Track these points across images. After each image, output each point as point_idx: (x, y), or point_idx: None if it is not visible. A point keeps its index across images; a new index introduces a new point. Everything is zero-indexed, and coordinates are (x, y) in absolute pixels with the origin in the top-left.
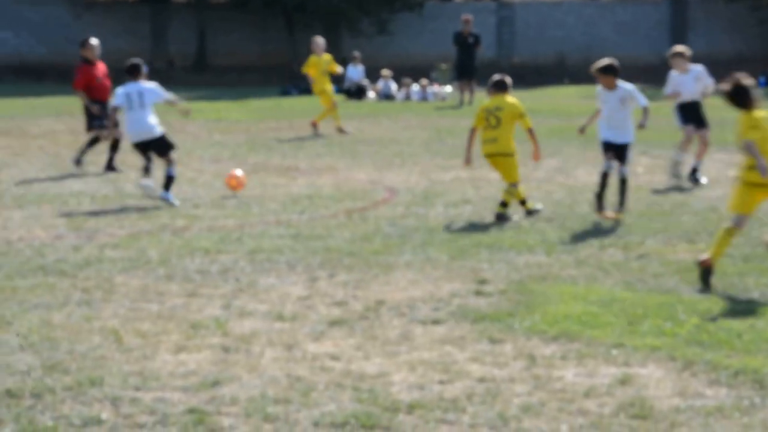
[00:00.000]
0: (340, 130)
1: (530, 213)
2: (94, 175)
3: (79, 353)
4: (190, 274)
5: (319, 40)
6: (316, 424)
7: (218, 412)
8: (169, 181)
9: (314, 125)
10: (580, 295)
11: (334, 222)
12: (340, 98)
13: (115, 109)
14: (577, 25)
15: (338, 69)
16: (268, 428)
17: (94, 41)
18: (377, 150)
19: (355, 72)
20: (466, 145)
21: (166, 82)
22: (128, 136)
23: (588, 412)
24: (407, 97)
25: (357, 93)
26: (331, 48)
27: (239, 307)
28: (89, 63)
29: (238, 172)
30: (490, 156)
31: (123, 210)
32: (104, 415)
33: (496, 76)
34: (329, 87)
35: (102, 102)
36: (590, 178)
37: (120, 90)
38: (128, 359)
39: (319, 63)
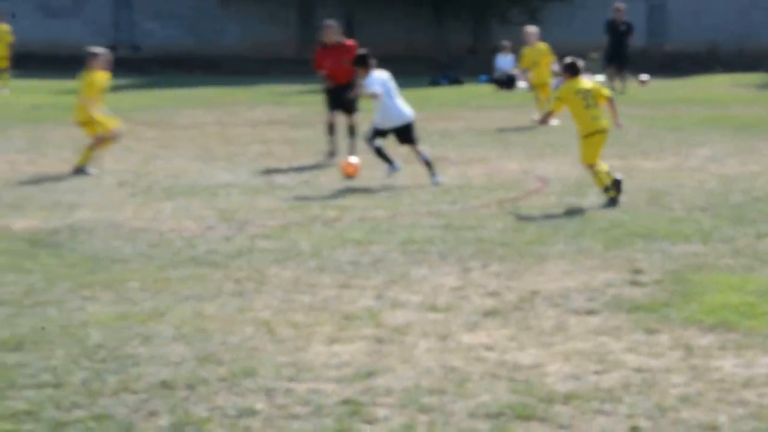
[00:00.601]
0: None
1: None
2: (243, 167)
3: (232, 344)
4: (341, 266)
5: (531, 29)
6: (471, 415)
7: (373, 402)
8: (429, 165)
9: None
10: (737, 285)
11: (485, 212)
12: (490, 88)
13: (375, 95)
14: (730, 13)
15: (553, 59)
16: (423, 419)
17: (328, 23)
18: (528, 139)
19: (505, 61)
20: (545, 118)
21: (311, 71)
22: (389, 121)
23: (747, 402)
24: (558, 86)
25: (507, 83)
26: (480, 37)
27: (392, 298)
28: (324, 46)
29: (353, 159)
30: (606, 131)
31: (273, 201)
32: (258, 406)
33: (569, 59)
34: (548, 78)
35: (334, 85)
36: (743, 168)
37: (375, 79)
38: (281, 350)
39: (532, 54)
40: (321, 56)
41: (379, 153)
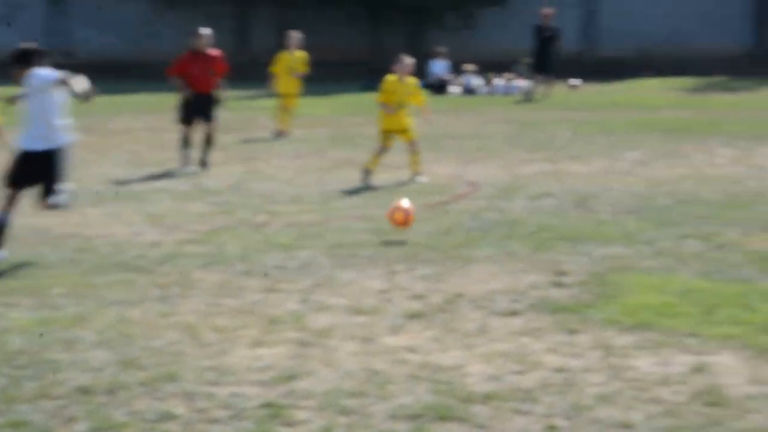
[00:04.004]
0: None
1: None
2: (173, 172)
3: (155, 349)
4: (268, 270)
5: (296, 34)
6: (391, 417)
7: (294, 405)
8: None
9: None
10: (658, 286)
11: (414, 216)
12: (424, 93)
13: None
14: (661, 18)
15: (306, 70)
16: (343, 421)
17: (203, 31)
18: (460, 144)
19: (439, 67)
20: None
21: (249, 78)
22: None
23: (662, 400)
24: (491, 92)
25: (440, 88)
26: (415, 43)
27: (317, 301)
28: (193, 52)
29: (405, 203)
30: None
31: (203, 206)
32: (179, 410)
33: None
34: (296, 89)
35: (197, 93)
36: (670, 171)
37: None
38: (205, 354)
39: (288, 60)
40: (187, 63)
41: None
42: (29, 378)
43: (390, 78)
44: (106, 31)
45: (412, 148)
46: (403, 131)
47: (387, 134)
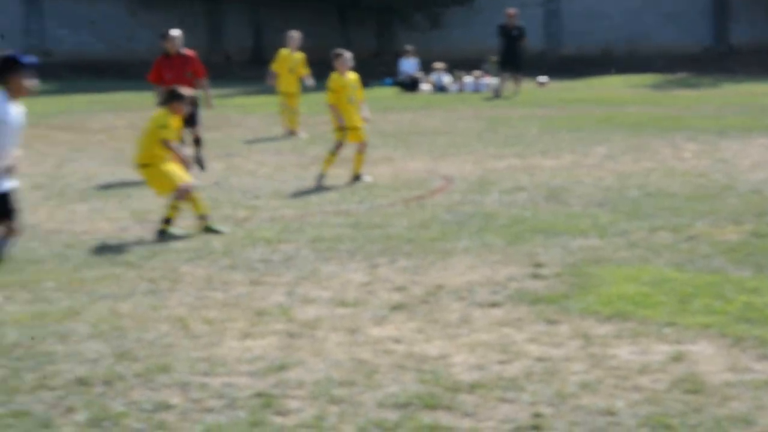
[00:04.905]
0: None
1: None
2: None
3: (148, 341)
4: (253, 264)
5: (296, 34)
6: (380, 405)
7: (285, 395)
8: None
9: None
10: (633, 276)
11: (392, 210)
12: (394, 91)
13: None
14: (622, 16)
15: (307, 72)
16: (334, 410)
17: (173, 32)
18: (432, 140)
19: (408, 65)
20: None
21: (223, 76)
22: None
23: (643, 388)
24: (461, 89)
25: (411, 86)
26: (384, 42)
27: (302, 294)
28: (166, 55)
29: None
30: None
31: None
32: (174, 400)
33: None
34: (297, 89)
35: None
36: (637, 165)
37: None
38: (195, 346)
39: (289, 60)
40: (162, 67)
41: None
42: (28, 369)
43: (334, 76)
44: (81, 31)
45: (361, 148)
46: (355, 129)
47: (343, 131)
